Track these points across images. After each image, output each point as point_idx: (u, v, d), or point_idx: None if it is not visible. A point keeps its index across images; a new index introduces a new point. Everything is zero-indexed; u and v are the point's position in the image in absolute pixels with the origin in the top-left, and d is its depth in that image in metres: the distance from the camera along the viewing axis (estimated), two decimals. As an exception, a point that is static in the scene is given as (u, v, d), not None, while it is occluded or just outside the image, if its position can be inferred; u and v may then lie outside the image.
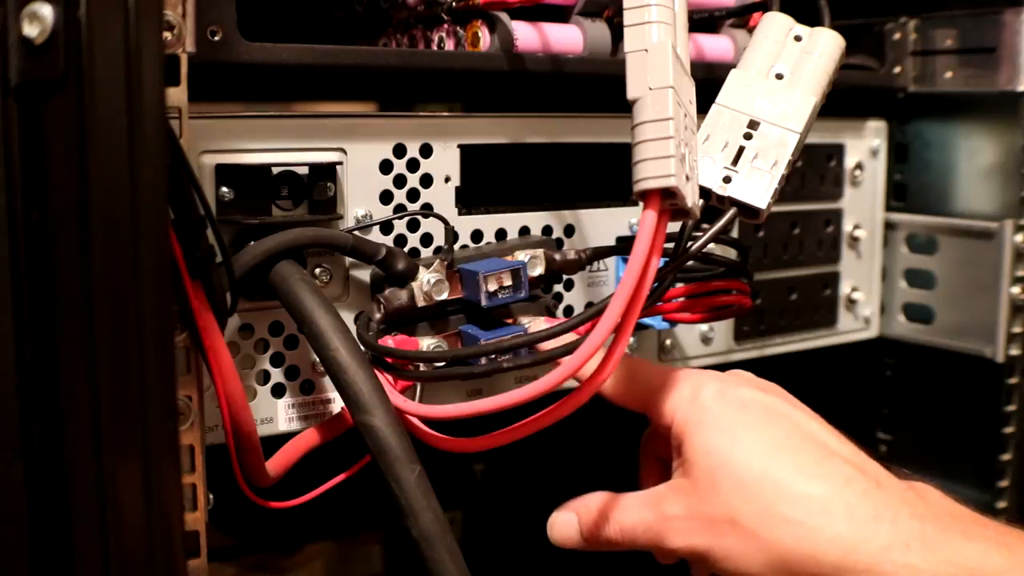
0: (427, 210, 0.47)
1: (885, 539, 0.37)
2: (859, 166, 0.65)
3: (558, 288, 0.52)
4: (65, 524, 0.30)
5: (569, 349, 0.40)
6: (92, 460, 0.29)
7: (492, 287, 0.44)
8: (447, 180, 0.47)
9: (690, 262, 0.43)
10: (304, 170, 0.43)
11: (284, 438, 0.43)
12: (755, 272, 0.55)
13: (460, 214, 0.48)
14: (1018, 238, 0.61)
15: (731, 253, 0.49)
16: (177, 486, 0.31)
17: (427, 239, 0.47)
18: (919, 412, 0.69)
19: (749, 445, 0.40)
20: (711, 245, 0.42)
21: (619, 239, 0.52)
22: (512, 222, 0.50)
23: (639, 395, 0.44)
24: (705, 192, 0.41)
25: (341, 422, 0.43)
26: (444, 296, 0.45)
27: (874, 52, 0.66)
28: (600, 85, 0.48)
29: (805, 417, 0.42)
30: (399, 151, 0.46)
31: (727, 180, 0.41)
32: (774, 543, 0.38)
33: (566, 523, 0.44)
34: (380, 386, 0.39)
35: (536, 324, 0.47)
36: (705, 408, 0.42)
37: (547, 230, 0.51)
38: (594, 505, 0.43)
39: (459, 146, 0.47)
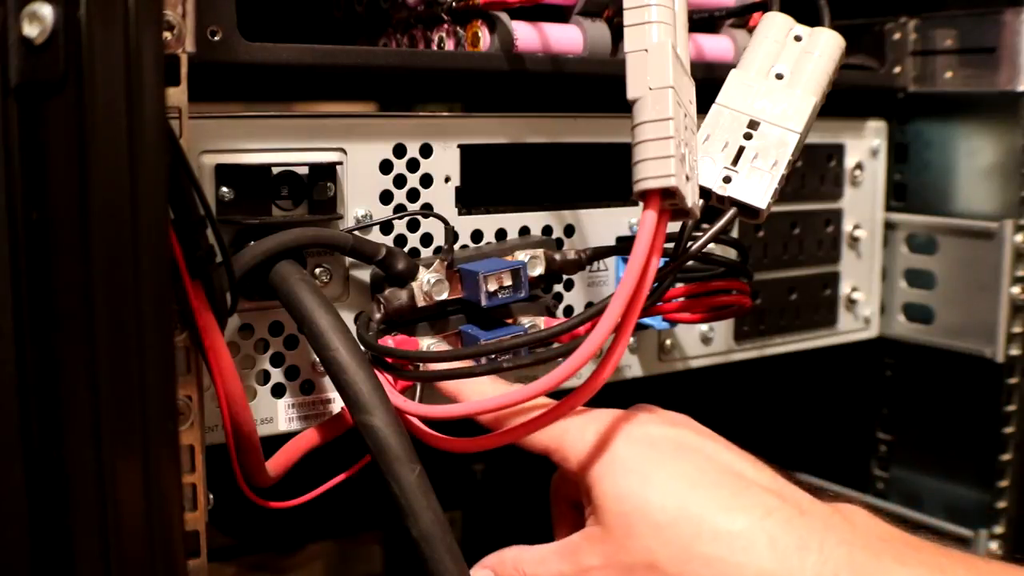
0: (427, 210, 0.47)
1: (812, 570, 0.35)
2: (859, 166, 0.65)
3: (558, 288, 0.52)
4: (65, 524, 0.30)
5: (569, 349, 0.40)
6: (92, 460, 0.29)
7: (492, 287, 0.44)
8: (447, 180, 0.47)
9: (690, 262, 0.43)
10: (304, 170, 0.43)
11: (284, 438, 0.43)
12: (755, 272, 0.55)
13: (460, 214, 0.48)
14: (1018, 238, 0.61)
15: (731, 253, 0.49)
16: (177, 486, 0.31)
17: (427, 239, 0.47)
18: (919, 412, 0.69)
19: (661, 484, 0.38)
20: (711, 245, 0.42)
21: (619, 239, 0.52)
22: (512, 222, 0.50)
23: (541, 439, 0.42)
24: (705, 192, 0.41)
25: (341, 422, 0.43)
26: (444, 296, 0.45)
27: (874, 52, 0.66)
28: (600, 85, 0.48)
29: (718, 448, 0.41)
30: (399, 151, 0.46)
31: (727, 180, 0.41)
32: None
33: None
34: (380, 386, 0.39)
35: (536, 324, 0.47)
36: (612, 450, 0.40)
37: (547, 230, 0.51)
38: (509, 560, 0.42)
39: (459, 146, 0.47)
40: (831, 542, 0.36)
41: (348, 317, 0.45)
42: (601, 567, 0.39)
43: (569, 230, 0.52)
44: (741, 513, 0.37)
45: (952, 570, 0.36)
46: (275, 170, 0.42)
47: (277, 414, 0.45)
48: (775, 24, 0.43)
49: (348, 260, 0.45)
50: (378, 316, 0.44)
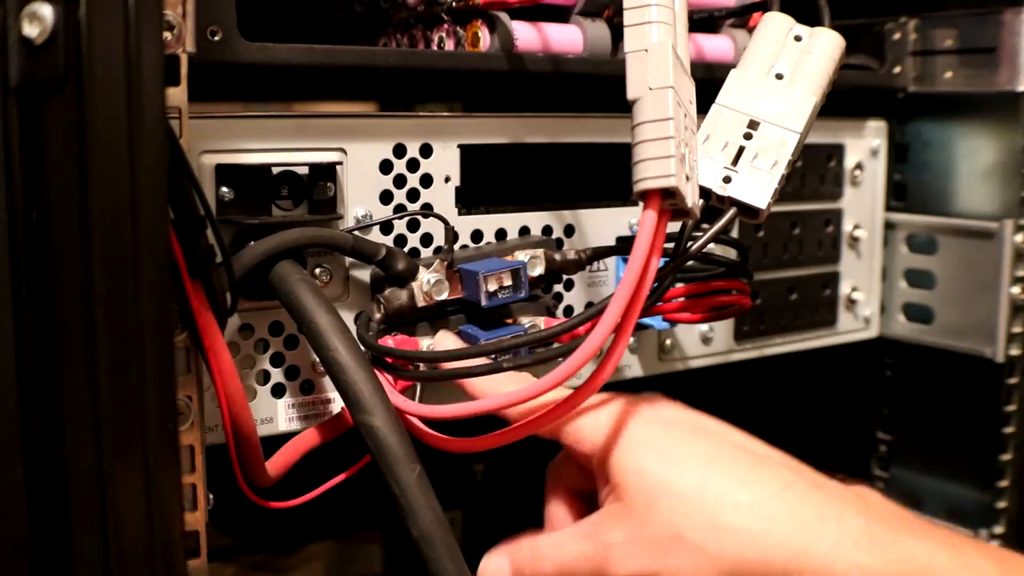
0: (427, 210, 0.47)
1: (833, 538, 0.37)
2: (859, 166, 0.65)
3: (558, 288, 0.51)
4: (65, 525, 0.30)
5: (569, 349, 0.40)
6: (92, 460, 0.29)
7: (492, 287, 0.44)
8: (447, 180, 0.47)
9: (690, 262, 0.43)
10: (304, 170, 0.43)
11: (284, 438, 0.43)
12: (755, 272, 0.55)
13: (460, 214, 0.48)
14: (1018, 238, 0.61)
15: (731, 253, 0.49)
16: (177, 486, 0.31)
17: (427, 239, 0.47)
18: (919, 412, 0.69)
19: (681, 460, 0.39)
20: (711, 245, 0.42)
21: (619, 239, 0.52)
22: (512, 222, 0.50)
23: (552, 425, 0.42)
24: (705, 192, 0.41)
25: (341, 422, 0.43)
26: (444, 296, 0.45)
27: (874, 52, 0.66)
28: (600, 85, 0.48)
29: (729, 429, 0.42)
30: (399, 151, 0.46)
31: (727, 180, 0.41)
32: (722, 554, 0.37)
33: (498, 570, 0.42)
34: (380, 386, 0.39)
35: (536, 324, 0.47)
36: (629, 430, 0.40)
37: (547, 230, 0.51)
38: (526, 546, 0.42)
39: (459, 146, 0.47)
40: (849, 513, 0.38)
41: (348, 317, 0.45)
42: (625, 543, 0.39)
43: (569, 230, 0.52)
44: (761, 485, 0.38)
45: (963, 548, 0.37)
46: (275, 170, 0.42)
47: (277, 414, 0.45)
48: (775, 24, 0.43)
49: (348, 260, 0.45)
50: (378, 316, 0.44)
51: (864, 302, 0.66)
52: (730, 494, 0.38)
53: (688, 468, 0.39)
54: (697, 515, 0.38)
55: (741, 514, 0.38)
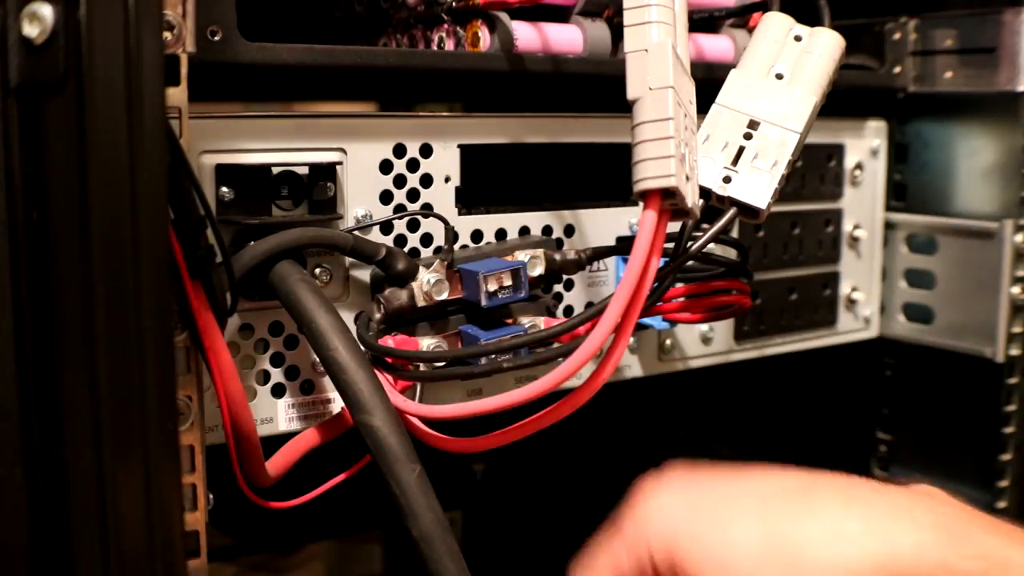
0: (427, 210, 0.47)
1: (912, 538, 0.36)
2: (859, 166, 0.65)
3: (558, 288, 0.51)
4: (65, 524, 0.30)
5: (569, 349, 0.40)
6: (92, 460, 0.29)
7: (492, 287, 0.44)
8: (447, 180, 0.47)
9: (690, 262, 0.43)
10: (304, 170, 0.43)
11: (284, 438, 0.43)
12: (755, 272, 0.55)
13: (460, 214, 0.48)
14: (1018, 238, 0.61)
15: (731, 253, 0.49)
16: (177, 486, 0.31)
17: (427, 239, 0.47)
18: (919, 412, 0.69)
19: (736, 515, 0.37)
20: (711, 245, 0.42)
21: (619, 239, 0.52)
22: (512, 222, 0.50)
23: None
24: (705, 192, 0.41)
25: (341, 422, 0.43)
26: (444, 296, 0.45)
27: (874, 52, 0.66)
28: (600, 85, 0.48)
29: (746, 465, 0.40)
30: (399, 151, 0.46)
31: (727, 180, 0.41)
32: None
33: None
34: (380, 386, 0.39)
35: (536, 324, 0.47)
36: (667, 506, 0.38)
37: (547, 230, 0.51)
38: None
39: (459, 146, 0.47)
40: (919, 511, 0.37)
41: (348, 317, 0.45)
42: None
43: (569, 230, 0.52)
44: (823, 511, 0.37)
45: None
46: (275, 170, 0.42)
47: (277, 414, 0.45)
48: (775, 24, 0.43)
49: (348, 260, 0.45)
50: (378, 316, 0.44)
51: (864, 302, 0.66)
52: (800, 530, 0.36)
53: (746, 520, 0.37)
54: (775, 566, 0.36)
55: (817, 546, 0.36)
